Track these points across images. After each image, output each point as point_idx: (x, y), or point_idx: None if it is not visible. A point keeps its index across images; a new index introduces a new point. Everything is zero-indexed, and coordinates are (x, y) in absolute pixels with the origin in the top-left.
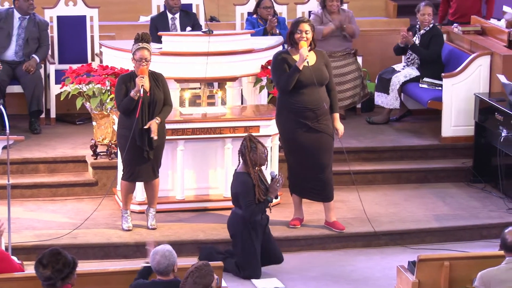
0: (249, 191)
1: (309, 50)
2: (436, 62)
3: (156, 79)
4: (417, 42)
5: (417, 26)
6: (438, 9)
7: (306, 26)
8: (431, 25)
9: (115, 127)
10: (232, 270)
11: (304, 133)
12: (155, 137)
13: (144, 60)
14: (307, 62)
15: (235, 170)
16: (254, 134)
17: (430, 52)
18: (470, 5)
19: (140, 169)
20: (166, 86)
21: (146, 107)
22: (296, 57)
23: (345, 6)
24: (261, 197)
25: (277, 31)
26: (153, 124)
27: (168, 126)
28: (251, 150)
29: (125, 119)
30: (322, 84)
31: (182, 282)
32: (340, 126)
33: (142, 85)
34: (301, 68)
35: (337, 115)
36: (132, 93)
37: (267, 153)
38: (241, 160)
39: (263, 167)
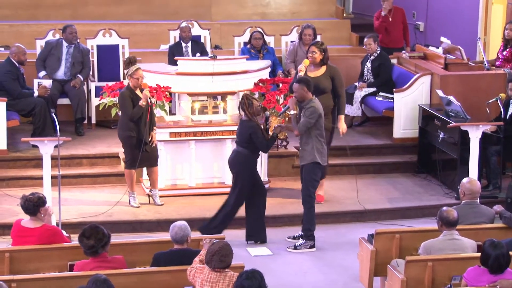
0: (258, 132)
1: (320, 66)
2: (388, 81)
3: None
4: (369, 66)
5: (368, 54)
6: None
7: (313, 48)
8: (378, 52)
9: None
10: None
11: None
12: (155, 143)
13: (141, 78)
14: (300, 73)
15: (241, 119)
16: None
17: (381, 79)
18: (392, 40)
19: (141, 159)
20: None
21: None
22: (310, 73)
23: (318, 38)
24: (267, 136)
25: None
26: (154, 136)
27: (182, 130)
28: (249, 105)
29: (129, 124)
30: (320, 92)
31: (208, 260)
32: (342, 126)
33: (150, 96)
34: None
35: (341, 117)
36: (141, 103)
37: (261, 105)
38: (242, 113)
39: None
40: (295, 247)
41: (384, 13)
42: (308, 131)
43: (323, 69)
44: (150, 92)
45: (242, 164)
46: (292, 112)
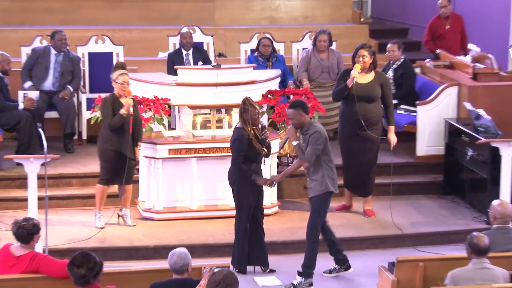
0: (242, 143)
1: (370, 71)
2: (411, 93)
3: (132, 99)
4: (391, 75)
5: (391, 62)
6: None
7: (363, 52)
8: (401, 60)
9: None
10: None
11: (352, 139)
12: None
13: (127, 84)
14: (354, 81)
15: (235, 126)
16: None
17: (403, 90)
18: (450, 46)
19: (117, 176)
20: (136, 102)
21: (132, 124)
22: (359, 80)
23: (334, 44)
24: (261, 150)
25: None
26: (138, 152)
27: (182, 146)
28: (244, 111)
29: (108, 135)
30: (369, 100)
31: None
32: (393, 138)
33: (132, 105)
34: (349, 85)
35: (392, 128)
36: (122, 111)
37: (259, 115)
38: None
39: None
40: (294, 287)
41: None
42: (317, 159)
43: (372, 75)
44: (147, 105)
45: (239, 175)
46: (295, 142)
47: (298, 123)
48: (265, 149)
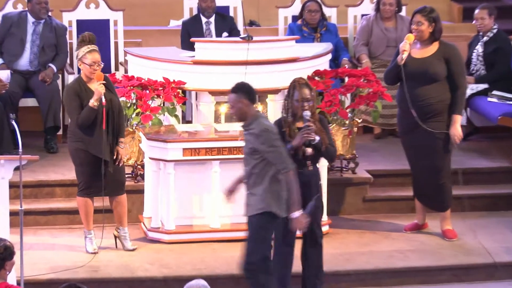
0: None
1: (430, 42)
2: (506, 75)
3: (104, 84)
4: (480, 51)
5: (480, 33)
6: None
7: (419, 18)
8: (494, 31)
9: (142, 145)
10: None
11: (411, 132)
12: (122, 163)
13: (97, 64)
14: (403, 56)
15: None
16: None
17: (496, 71)
18: None
19: (99, 184)
20: (112, 85)
21: (106, 115)
22: (415, 54)
23: (403, 10)
24: (298, 150)
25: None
26: (121, 152)
27: (201, 145)
28: (288, 95)
29: (78, 133)
30: (429, 79)
31: None
32: (457, 131)
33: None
34: (400, 63)
35: (458, 118)
36: (92, 102)
37: (305, 103)
38: None
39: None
40: None
41: None
42: (263, 168)
43: (434, 47)
44: (155, 91)
45: None
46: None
47: (239, 114)
48: (307, 150)
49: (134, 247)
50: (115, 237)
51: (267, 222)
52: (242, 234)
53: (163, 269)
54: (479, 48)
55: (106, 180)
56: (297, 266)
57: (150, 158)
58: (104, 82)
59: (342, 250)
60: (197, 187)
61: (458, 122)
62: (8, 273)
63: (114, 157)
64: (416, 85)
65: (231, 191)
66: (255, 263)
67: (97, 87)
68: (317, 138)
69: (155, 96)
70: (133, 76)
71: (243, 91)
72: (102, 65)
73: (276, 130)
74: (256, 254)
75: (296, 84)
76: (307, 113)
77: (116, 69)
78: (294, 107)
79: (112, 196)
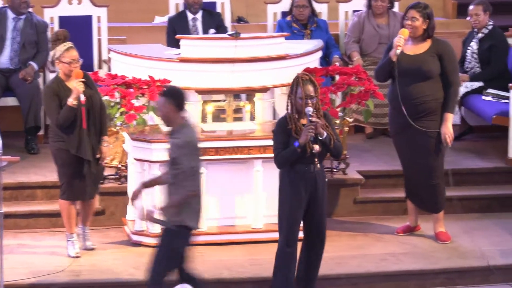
0: (278, 134)
1: (424, 39)
2: (502, 72)
3: (83, 81)
4: (475, 48)
5: (475, 30)
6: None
7: (413, 13)
8: (489, 27)
9: (125, 146)
10: None
11: (403, 131)
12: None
13: (76, 61)
14: (397, 51)
15: None
16: None
17: (491, 69)
18: None
19: (81, 186)
20: (93, 82)
21: (86, 114)
22: (408, 51)
23: (396, 6)
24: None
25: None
26: (105, 151)
27: None
28: (291, 91)
29: (58, 133)
30: (422, 76)
31: None
32: (446, 130)
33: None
34: (393, 59)
35: (449, 116)
36: (70, 101)
37: (309, 99)
38: None
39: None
40: None
41: None
42: (181, 177)
43: (427, 44)
44: (140, 89)
45: (280, 178)
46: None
47: (165, 119)
48: (314, 146)
49: (93, 246)
50: (77, 235)
51: (181, 236)
52: (229, 237)
53: (140, 271)
54: (473, 45)
55: (87, 181)
56: None
57: (134, 159)
58: (83, 80)
59: (333, 253)
60: None
61: (450, 121)
62: None
63: (98, 156)
64: (409, 82)
65: (136, 194)
66: (158, 281)
67: (75, 85)
68: (325, 133)
69: (140, 95)
70: (116, 75)
71: (171, 96)
72: (81, 62)
73: (198, 143)
74: (162, 269)
75: (300, 81)
76: (309, 109)
77: (100, 67)
78: (298, 105)
79: (89, 199)
